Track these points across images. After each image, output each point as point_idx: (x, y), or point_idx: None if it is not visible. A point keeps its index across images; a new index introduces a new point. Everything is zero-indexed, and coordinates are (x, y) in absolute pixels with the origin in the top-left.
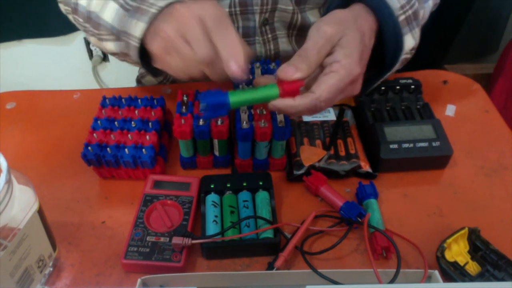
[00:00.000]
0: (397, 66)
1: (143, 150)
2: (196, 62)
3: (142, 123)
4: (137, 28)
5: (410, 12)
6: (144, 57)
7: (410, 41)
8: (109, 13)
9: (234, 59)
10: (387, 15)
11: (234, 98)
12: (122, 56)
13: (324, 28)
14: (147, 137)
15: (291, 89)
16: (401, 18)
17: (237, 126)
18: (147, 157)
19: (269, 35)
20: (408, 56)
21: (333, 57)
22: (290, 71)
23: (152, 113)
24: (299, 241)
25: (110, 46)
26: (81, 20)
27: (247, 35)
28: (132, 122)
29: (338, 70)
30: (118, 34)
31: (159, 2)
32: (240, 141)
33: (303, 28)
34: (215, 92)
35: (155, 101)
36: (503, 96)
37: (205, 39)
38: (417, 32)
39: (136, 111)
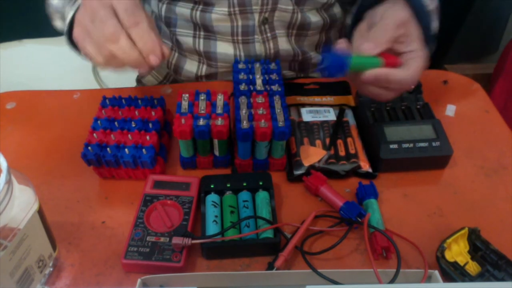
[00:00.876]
0: (432, 46)
1: (143, 150)
2: (104, 41)
3: (142, 123)
4: (68, 15)
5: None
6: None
7: (436, 24)
8: None
9: (152, 53)
10: (425, 14)
11: (354, 61)
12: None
13: (397, 14)
14: (147, 137)
15: (393, 62)
16: (431, 7)
17: (237, 126)
18: (147, 157)
19: (269, 34)
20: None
21: (411, 47)
22: (368, 46)
23: (152, 113)
24: (299, 241)
25: (58, 24)
26: None
27: (246, 34)
28: (132, 122)
29: (420, 57)
30: (63, 15)
31: None
32: (240, 141)
33: (303, 28)
34: (338, 54)
35: (155, 101)
36: (503, 96)
37: (111, 18)
38: (436, 16)
39: (136, 111)
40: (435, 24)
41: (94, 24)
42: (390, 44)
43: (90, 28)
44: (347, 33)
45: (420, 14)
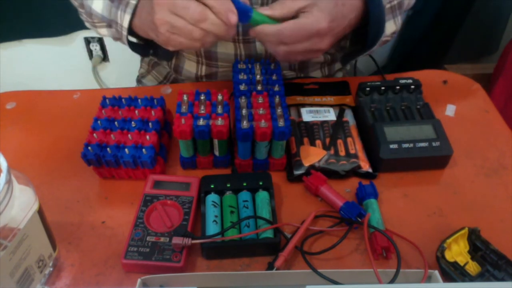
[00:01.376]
0: (377, 46)
1: (143, 150)
2: (194, 26)
3: (142, 123)
4: (124, 19)
5: (395, 2)
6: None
7: (391, 27)
8: (98, 4)
9: (229, 11)
10: (376, 4)
11: (254, 15)
12: (115, 39)
13: None
14: (147, 137)
15: None
16: (387, 6)
17: (237, 126)
18: (147, 157)
19: None
20: (389, 38)
21: (307, 9)
22: (265, 9)
23: (152, 113)
24: (299, 241)
25: (103, 31)
26: (76, 4)
27: (247, 33)
28: (132, 122)
29: (307, 17)
30: (109, 23)
31: None
32: (240, 141)
33: None
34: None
35: (155, 101)
36: (503, 96)
37: (192, 2)
38: (399, 19)
39: (136, 111)
40: (389, 26)
41: (177, 13)
42: (289, 12)
43: (174, 20)
44: None
45: (371, 4)
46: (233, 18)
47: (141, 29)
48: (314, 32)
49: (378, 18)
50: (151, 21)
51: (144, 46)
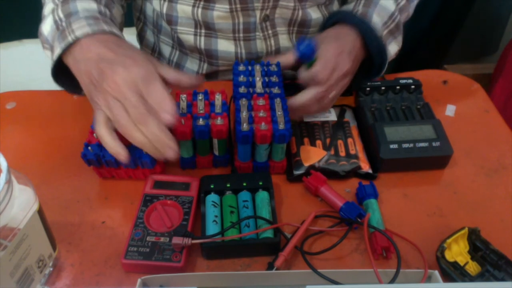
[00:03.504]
0: (385, 69)
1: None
2: (135, 124)
3: None
4: (56, 51)
5: (392, 25)
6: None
7: (394, 48)
8: (46, 26)
9: (165, 110)
10: (373, 37)
11: None
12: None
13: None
14: None
15: None
16: (385, 32)
17: (237, 129)
18: (147, 157)
19: (270, 31)
20: (394, 57)
21: (312, 69)
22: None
23: None
24: (299, 241)
25: (47, 53)
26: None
27: (247, 31)
28: None
29: (315, 85)
30: (52, 47)
31: (77, 31)
32: (240, 144)
33: (303, 25)
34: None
35: None
36: (503, 96)
37: (141, 103)
38: (400, 38)
39: None
40: (392, 48)
41: (119, 104)
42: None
43: (116, 115)
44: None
45: (368, 39)
46: (168, 119)
47: (75, 71)
48: (323, 93)
49: (378, 50)
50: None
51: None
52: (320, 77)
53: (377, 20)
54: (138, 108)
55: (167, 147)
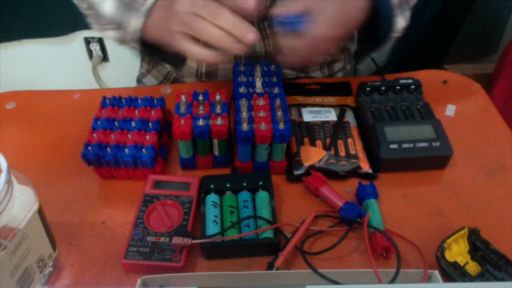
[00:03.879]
0: (389, 43)
1: (143, 150)
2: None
3: (142, 123)
4: (137, 21)
5: None
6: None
7: (401, 22)
8: (109, 5)
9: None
10: (385, 2)
11: None
12: (122, 42)
13: None
14: (147, 137)
15: None
16: (395, 1)
17: (237, 129)
18: (147, 157)
19: (268, 31)
20: (399, 34)
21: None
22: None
23: (152, 113)
24: (299, 241)
25: (111, 34)
26: (84, 6)
27: None
28: (132, 122)
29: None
30: (120, 24)
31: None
32: (240, 144)
33: None
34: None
35: (155, 101)
36: (503, 96)
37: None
38: (408, 14)
39: (136, 111)
40: (399, 22)
41: (192, 15)
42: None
43: (191, 25)
44: None
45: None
46: (252, 36)
47: (154, 30)
48: (319, 41)
49: (387, 15)
50: (168, 17)
51: (153, 50)
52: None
53: None
54: (208, 6)
55: (247, 31)
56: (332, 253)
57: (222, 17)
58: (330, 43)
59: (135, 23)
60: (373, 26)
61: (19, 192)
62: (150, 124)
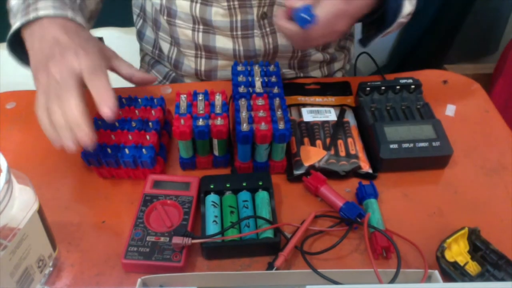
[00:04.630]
0: (394, 28)
1: (143, 150)
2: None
3: (142, 123)
4: (16, 24)
5: None
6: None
7: (407, 7)
8: None
9: (105, 103)
10: None
11: None
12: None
13: None
14: (147, 137)
15: None
16: None
17: (237, 129)
18: (147, 157)
19: (268, 29)
20: (404, 20)
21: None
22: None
23: (152, 113)
24: (299, 241)
25: (11, 22)
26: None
27: (245, 29)
28: (132, 122)
29: (323, 5)
30: (15, 17)
31: (40, 11)
32: (240, 144)
33: None
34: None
35: (155, 101)
36: (503, 96)
37: (75, 96)
38: (414, 0)
39: (136, 111)
40: (406, 7)
41: (56, 86)
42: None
43: (50, 92)
44: None
45: None
46: (107, 113)
47: (28, 44)
48: (331, 17)
49: None
50: (42, 63)
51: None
52: None
53: None
54: (69, 91)
55: (83, 136)
56: (332, 253)
57: (68, 108)
58: (344, 19)
59: (16, 24)
60: (376, 14)
61: (19, 192)
62: (150, 124)
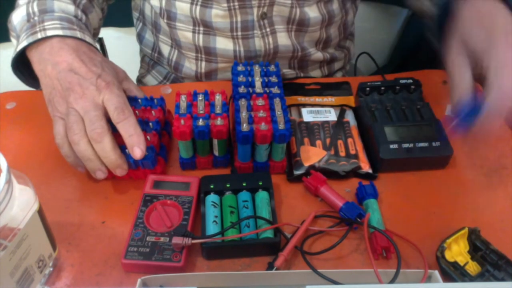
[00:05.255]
0: None
1: None
2: (88, 140)
3: (142, 123)
4: (22, 43)
5: None
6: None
7: None
8: (17, 15)
9: (138, 146)
10: None
11: None
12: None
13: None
14: (148, 137)
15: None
16: None
17: (237, 129)
18: (148, 158)
19: (268, 29)
20: None
21: (487, 78)
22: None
23: (152, 113)
24: (299, 241)
25: (13, 42)
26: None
27: (245, 29)
28: None
29: (490, 96)
30: (18, 37)
31: (49, 31)
32: (240, 144)
33: (302, 24)
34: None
35: (155, 101)
36: None
37: (101, 119)
38: None
39: (137, 111)
40: None
41: (79, 117)
42: (465, 89)
43: (72, 123)
44: (432, 28)
45: None
46: (139, 153)
47: (38, 67)
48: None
49: None
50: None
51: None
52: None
53: None
54: (95, 123)
55: (117, 167)
56: (332, 253)
57: (101, 142)
58: None
59: (22, 44)
60: None
61: (19, 192)
62: (150, 124)
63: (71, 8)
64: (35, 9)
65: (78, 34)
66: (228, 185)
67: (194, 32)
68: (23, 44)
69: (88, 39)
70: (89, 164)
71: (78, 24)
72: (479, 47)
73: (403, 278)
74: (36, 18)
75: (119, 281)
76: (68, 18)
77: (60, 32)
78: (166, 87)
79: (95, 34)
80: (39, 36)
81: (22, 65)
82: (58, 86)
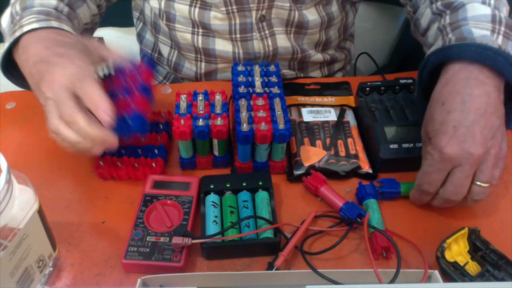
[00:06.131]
0: None
1: None
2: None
3: (127, 90)
4: (5, 46)
5: (502, 29)
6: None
7: None
8: (5, 19)
9: (100, 109)
10: (491, 56)
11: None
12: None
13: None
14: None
15: None
16: (499, 39)
17: (237, 129)
18: (135, 119)
19: (267, 32)
20: None
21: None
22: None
23: (138, 78)
24: (299, 241)
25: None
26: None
27: (244, 32)
28: None
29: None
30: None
31: (25, 27)
32: (240, 144)
33: (301, 26)
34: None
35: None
36: None
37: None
38: None
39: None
40: None
41: (54, 105)
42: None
43: (47, 114)
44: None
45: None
46: (106, 118)
47: (21, 68)
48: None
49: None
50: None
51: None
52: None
53: (480, 33)
54: (67, 107)
55: (105, 142)
56: (332, 253)
57: (76, 123)
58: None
59: (4, 47)
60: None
61: (19, 192)
62: (133, 87)
63: (52, 2)
64: (17, 8)
65: (54, 23)
66: (228, 185)
67: (193, 33)
68: (6, 46)
69: (66, 27)
70: (79, 147)
71: (56, 15)
72: (430, 130)
73: (403, 278)
74: (17, 17)
75: (119, 281)
76: (46, 11)
77: (35, 26)
78: (166, 87)
79: (87, 29)
80: (17, 34)
81: (12, 67)
82: (34, 80)
